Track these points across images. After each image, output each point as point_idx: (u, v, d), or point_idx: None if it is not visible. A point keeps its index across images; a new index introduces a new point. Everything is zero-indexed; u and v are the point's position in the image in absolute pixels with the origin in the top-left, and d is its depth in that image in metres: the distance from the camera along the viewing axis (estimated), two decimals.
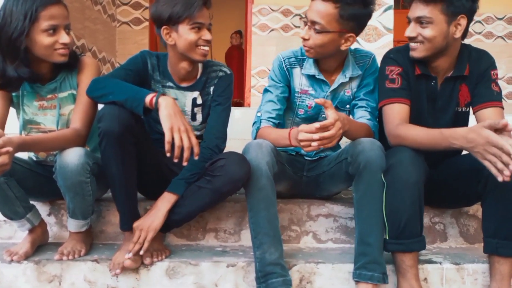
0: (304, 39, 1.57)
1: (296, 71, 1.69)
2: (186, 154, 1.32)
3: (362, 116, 1.64)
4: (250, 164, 1.40)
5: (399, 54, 1.61)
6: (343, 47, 1.56)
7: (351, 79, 1.67)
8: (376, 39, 2.76)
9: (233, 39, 7.22)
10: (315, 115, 1.71)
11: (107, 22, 5.31)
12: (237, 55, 6.91)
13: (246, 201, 1.45)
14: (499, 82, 1.62)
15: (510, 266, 1.43)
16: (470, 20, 1.50)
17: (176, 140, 1.31)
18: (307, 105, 1.71)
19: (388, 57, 1.62)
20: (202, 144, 1.54)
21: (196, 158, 1.36)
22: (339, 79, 1.66)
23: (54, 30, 1.45)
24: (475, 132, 1.29)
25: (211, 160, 1.48)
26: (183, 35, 1.50)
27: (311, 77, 1.67)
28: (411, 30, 1.52)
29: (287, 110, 1.73)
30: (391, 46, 2.70)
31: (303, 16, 1.57)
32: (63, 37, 1.47)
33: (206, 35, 1.52)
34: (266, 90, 1.71)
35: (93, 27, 4.77)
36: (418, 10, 1.49)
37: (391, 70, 1.58)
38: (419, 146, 1.42)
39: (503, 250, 1.42)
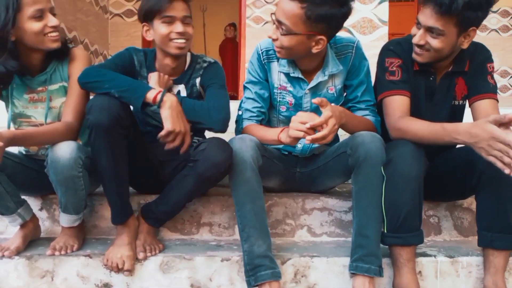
0: (273, 39, 1.48)
1: (274, 66, 1.61)
2: (182, 150, 1.42)
3: (363, 115, 1.61)
4: (234, 157, 1.39)
5: (399, 46, 1.58)
6: (314, 50, 1.45)
7: (332, 76, 1.59)
8: (371, 31, 2.75)
9: (227, 31, 7.18)
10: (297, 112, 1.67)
11: (99, 14, 5.25)
12: (231, 47, 6.87)
13: (232, 195, 1.43)
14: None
15: (504, 259, 1.44)
16: (477, 27, 1.46)
17: (176, 142, 1.39)
18: (287, 102, 1.63)
19: (388, 49, 1.59)
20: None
21: (185, 148, 1.43)
22: (318, 77, 1.57)
23: (40, 14, 1.42)
24: (479, 127, 1.26)
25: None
26: (157, 29, 1.52)
27: (288, 74, 1.61)
28: (420, 38, 1.46)
29: (270, 108, 1.67)
30: (386, 39, 2.69)
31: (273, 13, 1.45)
32: (51, 20, 1.45)
33: (178, 27, 1.50)
34: (245, 87, 1.65)
35: (85, 19, 4.72)
36: (432, 20, 1.41)
37: (391, 62, 1.56)
38: (420, 139, 1.41)
39: (498, 243, 1.42)
